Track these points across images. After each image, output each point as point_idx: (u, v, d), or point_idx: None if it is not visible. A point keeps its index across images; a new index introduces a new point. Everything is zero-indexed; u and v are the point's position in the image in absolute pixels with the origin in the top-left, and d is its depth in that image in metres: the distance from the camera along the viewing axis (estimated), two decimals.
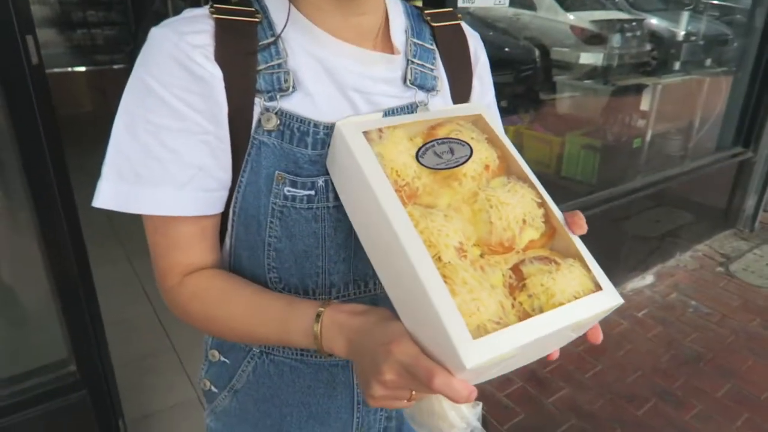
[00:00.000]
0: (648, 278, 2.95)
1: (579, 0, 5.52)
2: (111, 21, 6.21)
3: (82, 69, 5.72)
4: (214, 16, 0.59)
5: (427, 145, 0.58)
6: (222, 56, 0.58)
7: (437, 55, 0.71)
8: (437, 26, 0.72)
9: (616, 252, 2.84)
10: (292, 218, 0.62)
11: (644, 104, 3.57)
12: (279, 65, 0.61)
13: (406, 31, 0.69)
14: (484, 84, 0.77)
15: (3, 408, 1.34)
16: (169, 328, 2.34)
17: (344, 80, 0.63)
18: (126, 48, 6.03)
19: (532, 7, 5.56)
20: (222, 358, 0.74)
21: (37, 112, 1.21)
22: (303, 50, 0.62)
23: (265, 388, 0.73)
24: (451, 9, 0.76)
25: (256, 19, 0.61)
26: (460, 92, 0.74)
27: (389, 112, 0.65)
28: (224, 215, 0.65)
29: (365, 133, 0.57)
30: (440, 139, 0.59)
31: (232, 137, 0.60)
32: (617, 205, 2.81)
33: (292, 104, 0.61)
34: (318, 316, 0.56)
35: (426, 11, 0.73)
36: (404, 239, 0.49)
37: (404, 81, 0.67)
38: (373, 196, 0.52)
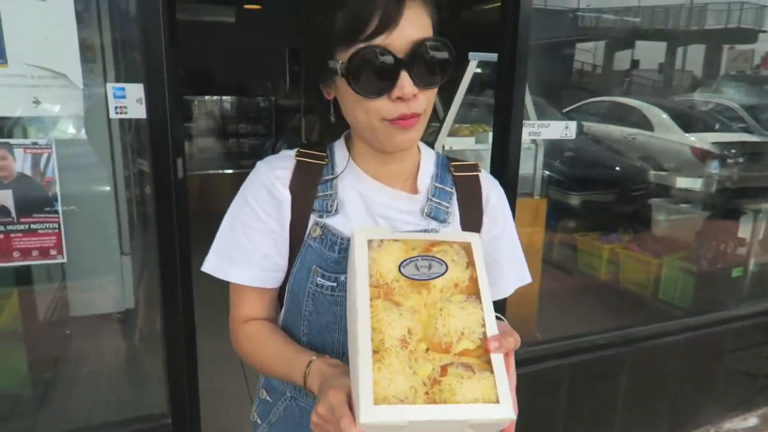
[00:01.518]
0: (751, 420, 2.68)
1: (700, 120, 5.42)
2: (257, 133, 7.33)
3: (229, 171, 6.68)
4: (297, 158, 0.90)
5: (413, 259, 0.76)
6: (294, 186, 0.88)
7: (454, 197, 0.94)
8: (457, 175, 0.96)
9: (712, 385, 2.65)
10: (319, 300, 0.87)
11: (755, 229, 3.41)
12: (330, 195, 0.89)
13: (432, 176, 0.94)
14: (492, 220, 0.96)
15: None
16: None
17: (375, 209, 0.89)
18: (266, 156, 7.00)
19: (648, 127, 5.59)
20: (267, 397, 0.99)
21: (175, 214, 1.61)
22: (350, 185, 0.90)
23: (290, 425, 0.94)
24: (475, 163, 0.99)
25: (324, 162, 0.91)
26: (471, 224, 0.94)
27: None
28: (284, 291, 0.93)
29: (369, 240, 0.77)
30: (425, 255, 0.76)
31: (292, 238, 0.89)
32: (718, 332, 2.66)
33: (334, 222, 0.87)
34: (309, 362, 0.79)
35: (453, 163, 0.97)
36: (360, 322, 0.68)
37: (422, 213, 0.91)
38: (354, 286, 0.72)
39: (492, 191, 0.97)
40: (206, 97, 7.31)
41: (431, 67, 0.78)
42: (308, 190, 0.88)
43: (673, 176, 3.64)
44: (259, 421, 1.00)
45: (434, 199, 0.92)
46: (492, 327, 0.72)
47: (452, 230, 0.92)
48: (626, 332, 2.46)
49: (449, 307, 0.72)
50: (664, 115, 5.59)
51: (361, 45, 0.75)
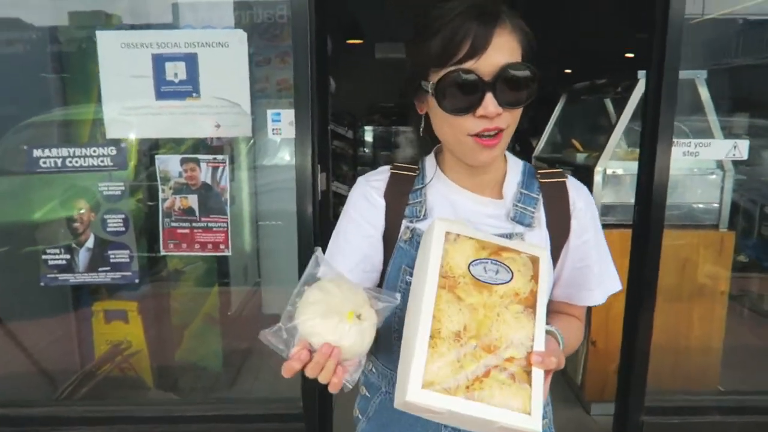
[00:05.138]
0: None
1: None
2: None
3: None
4: (391, 170, 1.02)
5: (483, 260, 0.79)
6: (387, 194, 0.99)
7: (540, 202, 0.96)
8: (543, 182, 0.98)
9: None
10: (408, 293, 0.91)
11: None
12: (420, 202, 0.97)
13: (518, 183, 0.98)
14: (582, 224, 0.97)
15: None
16: None
17: (462, 214, 0.95)
18: None
19: None
20: (366, 393, 1.07)
21: (318, 221, 1.86)
22: (439, 193, 0.98)
23: (384, 417, 1.02)
24: (560, 170, 1.01)
25: (415, 174, 1.01)
26: (558, 228, 0.96)
27: None
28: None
29: (447, 233, 0.80)
30: (495, 260, 0.79)
31: (386, 242, 0.98)
32: None
33: (423, 226, 0.95)
34: None
35: (539, 171, 1.01)
36: (424, 306, 0.73)
37: (507, 217, 0.95)
38: (425, 272, 0.76)
39: (578, 197, 0.97)
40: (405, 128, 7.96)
41: (515, 89, 0.83)
42: (400, 198, 0.98)
43: None
44: (360, 416, 1.09)
45: (519, 204, 0.95)
46: (539, 343, 0.75)
47: (526, 242, 0.91)
48: None
49: (505, 315, 0.76)
50: None
51: (451, 68, 0.82)
